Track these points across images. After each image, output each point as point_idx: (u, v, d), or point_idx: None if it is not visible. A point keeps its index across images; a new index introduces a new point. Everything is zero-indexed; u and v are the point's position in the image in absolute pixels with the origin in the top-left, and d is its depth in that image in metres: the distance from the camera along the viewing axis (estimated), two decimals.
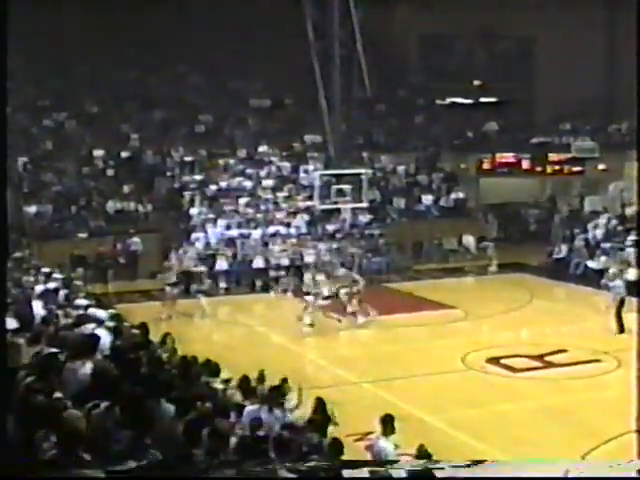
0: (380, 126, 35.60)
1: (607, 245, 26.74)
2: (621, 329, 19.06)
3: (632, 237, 25.47)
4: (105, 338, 10.08)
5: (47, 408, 6.16)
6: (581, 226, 29.18)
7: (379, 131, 35.40)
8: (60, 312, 12.92)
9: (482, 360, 17.27)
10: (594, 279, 23.79)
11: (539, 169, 33.13)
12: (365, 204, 29.18)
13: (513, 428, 13.38)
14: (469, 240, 30.00)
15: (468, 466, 4.73)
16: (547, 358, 17.26)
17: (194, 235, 27.57)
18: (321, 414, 9.70)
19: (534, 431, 13.07)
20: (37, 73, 32.22)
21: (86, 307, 13.35)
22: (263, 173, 31.54)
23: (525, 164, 33.26)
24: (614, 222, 28.30)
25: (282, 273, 26.23)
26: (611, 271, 21.22)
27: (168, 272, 22.64)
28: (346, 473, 5.14)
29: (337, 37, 31.01)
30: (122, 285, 25.84)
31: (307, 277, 22.00)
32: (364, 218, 30.02)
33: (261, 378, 10.70)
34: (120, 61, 33.71)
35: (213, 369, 10.44)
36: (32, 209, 27.97)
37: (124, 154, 31.30)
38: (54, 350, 8.57)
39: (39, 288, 16.08)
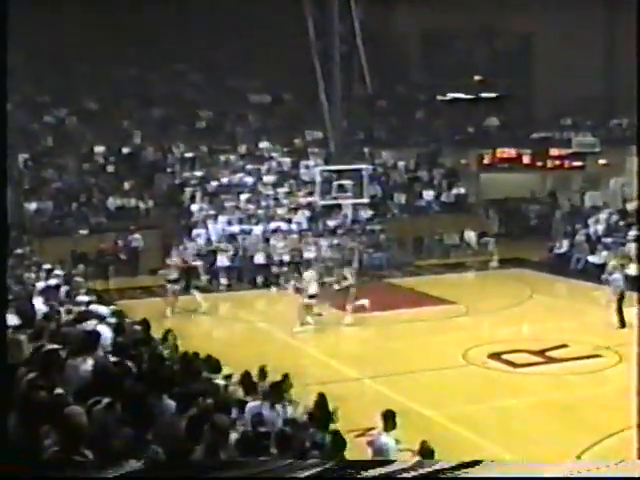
0: (381, 122, 35.58)
1: (608, 240, 26.75)
2: (622, 324, 19.06)
3: (633, 232, 25.45)
4: (106, 334, 10.09)
5: (48, 404, 6.16)
6: (582, 221, 29.17)
7: (380, 127, 35.37)
8: (61, 309, 12.92)
9: (483, 355, 17.25)
10: (595, 274, 23.75)
11: (540, 164, 33.09)
12: (366, 200, 29.16)
13: (514, 423, 13.41)
14: (470, 235, 29.97)
15: (468, 466, 4.72)
16: (548, 353, 17.24)
17: (195, 231, 27.58)
18: (322, 410, 9.70)
19: (535, 426, 13.07)
20: (38, 71, 32.21)
21: (87, 303, 13.38)
22: (264, 169, 31.55)
23: (526, 159, 33.23)
24: (615, 217, 28.29)
25: (284, 269, 26.22)
26: (610, 264, 21.24)
27: (169, 268, 22.68)
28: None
29: (337, 34, 30.97)
30: (123, 281, 25.89)
31: (306, 274, 21.83)
32: (365, 214, 30.02)
33: (263, 374, 10.68)
34: (120, 59, 33.70)
35: (214, 365, 10.44)
36: (33, 206, 27.99)
37: (125, 150, 31.32)
38: (55, 346, 8.57)
39: (40, 285, 16.13)
